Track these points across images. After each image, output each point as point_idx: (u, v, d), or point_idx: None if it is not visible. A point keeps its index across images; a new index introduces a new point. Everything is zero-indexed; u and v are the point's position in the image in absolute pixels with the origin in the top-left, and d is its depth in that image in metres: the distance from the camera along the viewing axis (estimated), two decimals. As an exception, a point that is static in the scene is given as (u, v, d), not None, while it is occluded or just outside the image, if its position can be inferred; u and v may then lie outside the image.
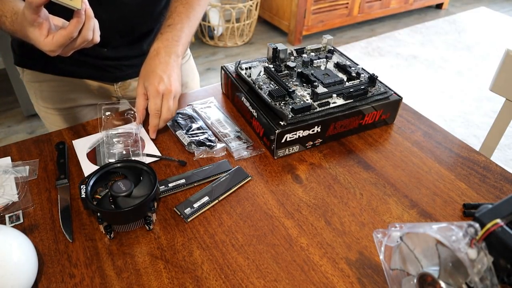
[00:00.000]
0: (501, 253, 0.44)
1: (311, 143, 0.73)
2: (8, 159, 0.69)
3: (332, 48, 0.89)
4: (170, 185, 0.64)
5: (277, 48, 0.82)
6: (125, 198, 0.57)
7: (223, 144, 0.73)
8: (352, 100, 0.73)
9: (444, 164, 0.71)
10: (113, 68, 0.87)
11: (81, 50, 0.80)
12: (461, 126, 2.23)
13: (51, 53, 0.60)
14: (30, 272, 0.49)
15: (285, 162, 0.71)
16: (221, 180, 0.66)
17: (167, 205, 0.62)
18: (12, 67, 1.89)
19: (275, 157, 0.71)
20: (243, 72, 0.79)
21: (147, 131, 0.76)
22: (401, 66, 2.77)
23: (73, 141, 0.73)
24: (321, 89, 0.74)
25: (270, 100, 0.71)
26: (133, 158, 0.68)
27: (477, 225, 0.41)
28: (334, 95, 0.74)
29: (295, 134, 0.69)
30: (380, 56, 2.88)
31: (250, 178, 0.67)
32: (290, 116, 0.68)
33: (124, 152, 0.70)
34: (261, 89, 0.74)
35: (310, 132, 0.70)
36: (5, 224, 0.59)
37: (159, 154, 0.71)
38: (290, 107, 0.70)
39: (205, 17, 2.78)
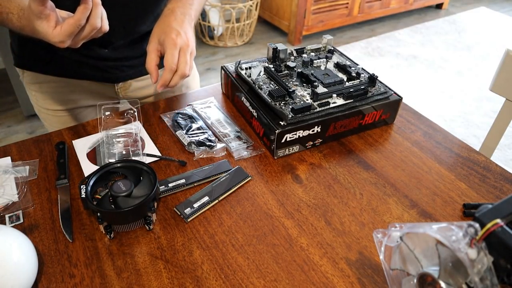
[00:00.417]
0: (501, 253, 0.44)
1: (311, 143, 0.73)
2: (8, 159, 0.69)
3: (332, 48, 0.89)
4: (170, 185, 0.64)
5: (277, 48, 0.82)
6: (125, 198, 0.57)
7: (223, 144, 0.73)
8: (352, 100, 0.73)
9: (444, 164, 0.71)
10: (114, 69, 0.87)
11: (82, 51, 0.81)
12: (461, 126, 2.23)
13: (61, 44, 0.59)
14: (30, 272, 0.49)
15: (285, 162, 0.71)
16: (221, 180, 0.66)
17: (167, 205, 0.62)
18: (12, 67, 1.89)
19: (275, 157, 0.71)
20: (243, 72, 0.79)
21: (147, 131, 0.76)
22: (401, 66, 2.77)
23: (73, 141, 0.73)
24: (321, 89, 0.74)
25: (270, 100, 0.71)
26: (133, 158, 0.68)
27: (477, 225, 0.41)
28: (334, 95, 0.74)
29: (295, 134, 0.69)
30: (380, 56, 2.88)
31: (250, 178, 0.67)
32: (290, 116, 0.68)
33: (124, 152, 0.70)
34: (261, 89, 0.74)
35: (310, 132, 0.70)
36: (5, 224, 0.58)
37: (159, 154, 0.71)
38: (290, 107, 0.70)
39: (205, 17, 2.78)
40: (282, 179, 0.67)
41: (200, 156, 0.71)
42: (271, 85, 0.76)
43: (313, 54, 0.86)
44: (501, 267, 0.45)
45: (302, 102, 0.71)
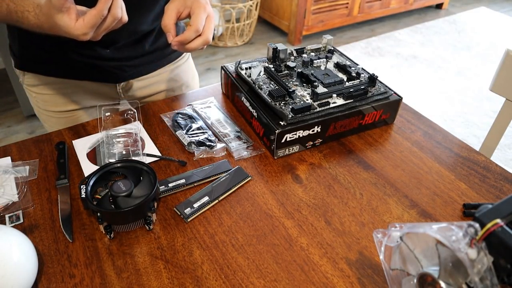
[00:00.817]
0: (501, 253, 0.44)
1: (311, 143, 0.73)
2: (8, 159, 0.69)
3: (332, 48, 0.89)
4: (170, 185, 0.64)
5: (277, 48, 0.82)
6: (125, 198, 0.57)
7: (223, 144, 0.73)
8: (352, 100, 0.73)
9: (444, 164, 0.71)
10: (116, 69, 0.87)
11: (84, 51, 0.81)
12: (461, 126, 2.23)
13: (83, 36, 0.59)
14: (30, 272, 0.49)
15: (285, 162, 0.71)
16: (221, 180, 0.66)
17: (167, 205, 0.62)
18: (12, 67, 1.89)
19: (275, 157, 0.71)
20: (243, 72, 0.79)
21: (147, 131, 0.76)
22: (401, 66, 2.77)
23: (73, 141, 0.73)
24: (321, 89, 0.74)
25: (270, 100, 0.71)
26: (133, 158, 0.68)
27: (477, 225, 0.41)
28: (334, 95, 0.74)
29: (295, 134, 0.69)
30: (380, 56, 2.88)
31: (250, 178, 0.67)
32: (290, 116, 0.68)
33: (124, 152, 0.70)
34: (261, 89, 0.74)
35: (310, 132, 0.70)
36: (5, 224, 0.59)
37: (159, 154, 0.71)
38: (290, 107, 0.70)
39: (205, 17, 2.78)
40: (282, 179, 0.67)
41: (200, 156, 0.71)
42: (271, 85, 0.76)
43: (313, 54, 0.86)
44: (501, 267, 0.45)
45: (302, 102, 0.71)
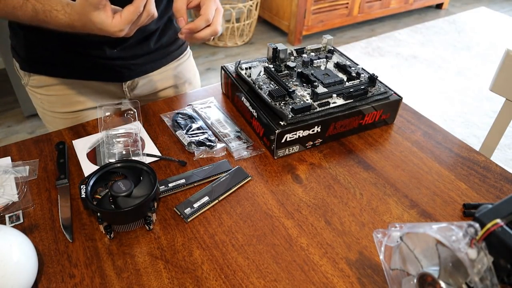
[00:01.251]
0: (501, 253, 0.44)
1: (311, 143, 0.73)
2: (8, 159, 0.69)
3: (332, 48, 0.89)
4: (170, 185, 0.64)
5: (277, 48, 0.82)
6: (125, 198, 0.57)
7: (223, 144, 0.73)
8: (352, 100, 0.73)
9: (444, 164, 0.71)
10: (122, 68, 0.88)
11: (93, 52, 0.81)
12: (461, 126, 2.23)
13: (119, 33, 0.60)
14: (30, 272, 0.49)
15: (285, 162, 0.71)
16: (221, 180, 0.66)
17: (167, 205, 0.62)
18: (12, 67, 1.89)
19: (275, 157, 0.71)
20: (243, 72, 0.79)
21: (147, 131, 0.76)
22: (401, 66, 2.77)
23: (73, 141, 0.73)
24: (321, 89, 0.74)
25: (270, 100, 0.71)
26: (133, 158, 0.68)
27: (477, 225, 0.41)
28: (334, 95, 0.74)
29: (295, 134, 0.69)
30: (380, 56, 2.88)
31: (250, 178, 0.67)
32: (290, 116, 0.68)
33: (124, 152, 0.70)
34: (261, 89, 0.74)
35: (310, 132, 0.70)
36: (5, 224, 0.58)
37: (159, 154, 0.71)
38: (290, 107, 0.70)
39: (205, 17, 2.78)
40: (282, 179, 0.67)
41: (200, 156, 0.71)
42: (271, 85, 0.76)
43: (313, 54, 0.86)
44: (501, 267, 0.45)
45: (302, 102, 0.71)
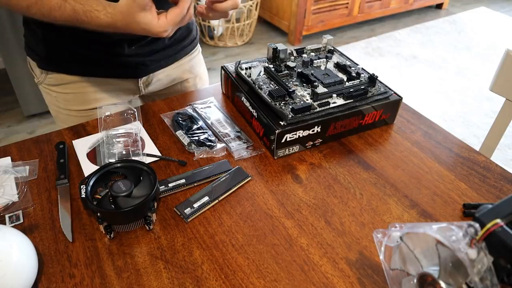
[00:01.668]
0: (501, 253, 0.44)
1: (311, 143, 0.73)
2: (8, 159, 0.69)
3: (332, 48, 0.89)
4: (170, 185, 0.64)
5: (277, 48, 0.82)
6: (125, 198, 0.57)
7: (223, 144, 0.73)
8: (352, 100, 0.73)
9: (444, 164, 0.71)
10: (139, 64, 0.89)
11: (112, 50, 0.83)
12: (461, 126, 2.23)
13: (164, 33, 0.64)
14: (30, 272, 0.49)
15: (285, 162, 0.71)
16: (221, 180, 0.66)
17: (167, 205, 0.62)
18: (12, 67, 1.89)
19: (275, 157, 0.71)
20: (243, 72, 0.79)
21: (147, 131, 0.76)
22: (401, 66, 2.77)
23: (73, 141, 0.73)
24: (321, 89, 0.74)
25: (270, 100, 0.71)
26: (133, 158, 0.68)
27: (477, 225, 0.41)
28: (334, 95, 0.74)
29: (295, 134, 0.69)
30: (380, 56, 2.88)
31: (250, 178, 0.67)
32: (290, 116, 0.68)
33: (124, 152, 0.70)
34: (261, 89, 0.74)
35: (310, 132, 0.70)
36: (5, 224, 0.58)
37: (159, 154, 0.71)
38: (290, 107, 0.70)
39: (205, 17, 2.78)
40: (282, 179, 0.67)
41: (200, 156, 0.71)
42: (271, 85, 0.76)
43: (313, 54, 0.86)
44: (501, 267, 0.45)
45: (302, 102, 0.71)
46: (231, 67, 0.83)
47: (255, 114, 0.74)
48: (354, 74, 0.78)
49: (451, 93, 2.51)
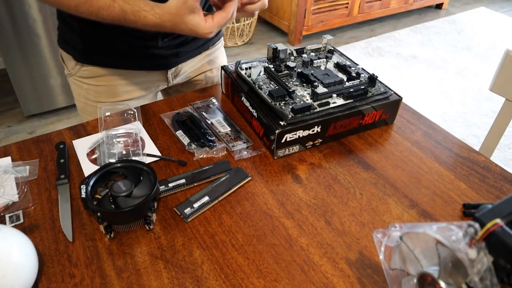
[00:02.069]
0: (501, 253, 0.44)
1: (311, 143, 0.73)
2: (8, 159, 0.69)
3: (332, 48, 0.89)
4: (170, 185, 0.64)
5: (277, 48, 0.82)
6: (125, 198, 0.57)
7: (223, 144, 0.73)
8: (352, 100, 0.73)
9: (444, 164, 0.71)
10: (170, 56, 0.91)
11: (147, 43, 0.85)
12: (461, 126, 2.23)
13: (209, 34, 0.67)
14: (30, 272, 0.49)
15: (285, 162, 0.71)
16: (221, 180, 0.66)
17: (167, 205, 0.62)
18: (12, 67, 1.89)
19: (275, 157, 0.71)
20: (243, 72, 0.79)
21: (147, 131, 0.76)
22: (401, 66, 2.77)
23: (73, 141, 0.73)
24: (321, 89, 0.74)
25: (270, 100, 0.71)
26: (133, 158, 0.68)
27: (477, 225, 0.41)
28: (334, 95, 0.74)
29: (295, 134, 0.69)
30: (380, 56, 2.88)
31: (250, 178, 0.67)
32: (290, 116, 0.68)
33: (124, 152, 0.70)
34: (261, 89, 0.74)
35: (310, 132, 0.70)
36: (5, 224, 0.59)
37: (159, 154, 0.71)
38: (290, 107, 0.70)
39: (205, 17, 2.78)
40: (282, 179, 0.67)
41: (200, 156, 0.71)
42: (271, 85, 0.76)
43: (313, 54, 0.86)
44: (501, 267, 0.45)
45: (302, 102, 0.71)
46: (231, 67, 0.83)
47: (255, 114, 0.74)
48: (354, 74, 0.78)
49: (451, 93, 2.51)
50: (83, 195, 0.57)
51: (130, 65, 0.89)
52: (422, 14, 3.56)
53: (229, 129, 0.76)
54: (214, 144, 0.72)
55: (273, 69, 0.79)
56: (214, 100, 0.85)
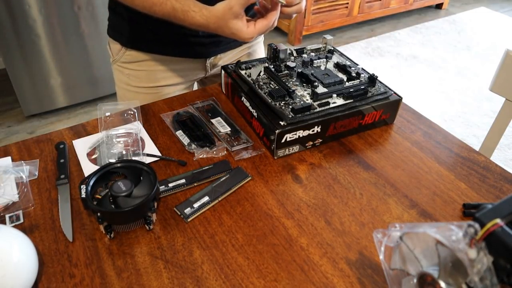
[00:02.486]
0: (501, 253, 0.44)
1: (311, 143, 0.73)
2: (8, 159, 0.69)
3: (332, 48, 0.89)
4: (170, 185, 0.64)
5: (277, 48, 0.82)
6: (125, 198, 0.57)
7: (223, 144, 0.73)
8: (352, 100, 0.73)
9: (444, 164, 0.71)
10: (210, 44, 0.93)
11: (188, 30, 0.85)
12: (461, 126, 2.23)
13: (248, 39, 0.70)
14: (30, 272, 0.49)
15: (285, 162, 0.71)
16: (221, 180, 0.66)
17: (167, 205, 0.62)
18: (12, 67, 1.89)
19: (275, 157, 0.71)
20: (243, 72, 0.79)
21: (147, 131, 0.76)
22: (401, 66, 2.77)
23: (73, 141, 0.73)
24: (321, 89, 0.74)
25: (270, 100, 0.71)
26: (133, 158, 0.68)
27: (477, 225, 0.41)
28: (334, 95, 0.74)
29: (295, 134, 0.69)
30: (380, 56, 2.88)
31: (250, 178, 0.67)
32: (290, 116, 0.68)
33: (124, 152, 0.70)
34: (261, 89, 0.74)
35: (310, 132, 0.70)
36: (5, 224, 0.59)
37: (159, 154, 0.71)
38: (290, 107, 0.70)
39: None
40: (282, 179, 0.67)
41: (200, 156, 0.71)
42: (271, 85, 0.76)
43: (313, 54, 0.86)
44: (501, 267, 0.45)
45: (302, 102, 0.71)
46: (231, 67, 0.83)
47: (255, 114, 0.74)
48: (354, 74, 0.78)
49: (451, 93, 2.51)
50: (83, 195, 0.57)
51: (170, 51, 0.92)
52: (422, 14, 3.56)
53: (229, 129, 0.76)
54: (214, 144, 0.72)
55: (273, 69, 0.79)
56: (214, 100, 0.85)
